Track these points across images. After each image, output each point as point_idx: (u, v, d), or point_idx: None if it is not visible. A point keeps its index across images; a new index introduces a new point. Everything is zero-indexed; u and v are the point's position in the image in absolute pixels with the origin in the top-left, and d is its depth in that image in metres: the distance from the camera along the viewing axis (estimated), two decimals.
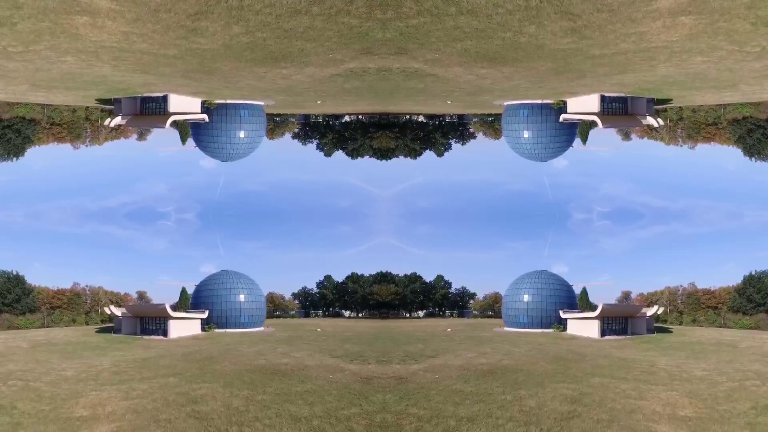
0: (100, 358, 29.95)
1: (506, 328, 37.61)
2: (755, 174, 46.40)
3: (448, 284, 47.38)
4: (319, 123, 47.35)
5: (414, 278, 46.05)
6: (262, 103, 39.20)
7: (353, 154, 46.98)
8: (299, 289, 48.12)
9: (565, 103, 37.24)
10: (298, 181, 50.85)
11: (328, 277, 48.59)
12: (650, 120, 37.33)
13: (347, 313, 45.08)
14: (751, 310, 38.54)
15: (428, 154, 49.58)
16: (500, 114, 40.14)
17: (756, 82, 32.76)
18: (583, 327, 36.22)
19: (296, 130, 47.07)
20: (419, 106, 42.58)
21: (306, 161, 48.28)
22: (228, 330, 37.69)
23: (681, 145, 42.43)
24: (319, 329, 36.21)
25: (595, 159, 46.68)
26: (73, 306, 42.05)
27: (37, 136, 40.11)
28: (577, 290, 48.71)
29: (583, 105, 37.04)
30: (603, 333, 35.37)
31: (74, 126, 43.19)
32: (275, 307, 46.99)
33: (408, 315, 44.19)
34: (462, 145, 46.80)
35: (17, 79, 32.38)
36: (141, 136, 45.26)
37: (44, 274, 50.76)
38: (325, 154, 47.68)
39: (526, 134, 38.66)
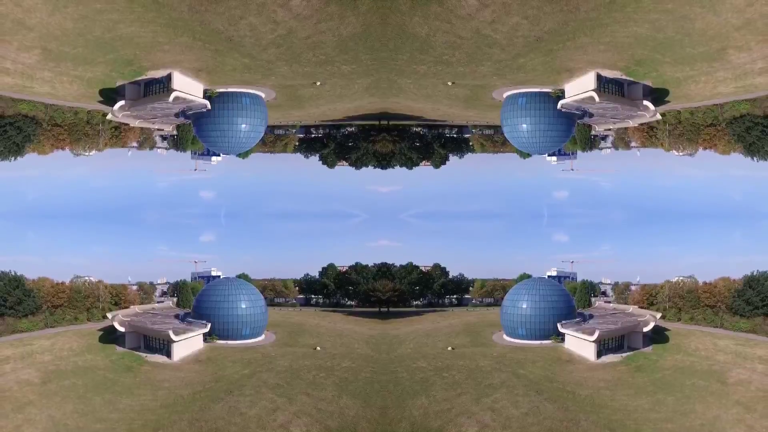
0: (110, 414, 31.56)
1: (505, 337, 39.26)
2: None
3: (446, 272, 47.97)
4: (319, 138, 45.25)
5: (411, 268, 46.55)
6: (262, 94, 39.68)
7: (357, 163, 45.13)
8: (302, 275, 48.79)
9: (563, 92, 37.83)
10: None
11: (330, 266, 48.90)
12: (647, 104, 37.58)
13: (348, 302, 46.37)
14: (748, 313, 39.67)
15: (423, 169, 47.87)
16: (499, 126, 40.29)
17: (741, 38, 32.74)
18: (581, 346, 37.75)
19: (296, 143, 45.61)
20: (421, 102, 40.80)
21: (309, 182, 47.04)
22: (230, 342, 39.39)
23: (681, 154, 41.21)
24: (318, 348, 37.47)
25: (595, 189, 45.59)
26: (74, 304, 43.18)
27: (38, 138, 39.04)
28: (577, 268, 49.53)
29: (581, 86, 37.36)
30: (599, 354, 37.01)
31: (75, 128, 41.77)
32: (276, 295, 48.20)
33: (408, 304, 45.43)
34: (460, 158, 45.03)
35: (31, 35, 31.60)
36: (141, 145, 43.75)
37: (42, 256, 51.23)
38: (328, 166, 45.92)
39: (524, 126, 39.13)
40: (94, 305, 42.82)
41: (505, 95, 40.20)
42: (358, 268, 45.85)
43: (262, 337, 39.33)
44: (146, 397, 33.67)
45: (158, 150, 43.90)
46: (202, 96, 39.15)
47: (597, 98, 36.91)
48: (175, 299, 46.39)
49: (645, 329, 38.45)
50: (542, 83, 38.64)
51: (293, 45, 34.00)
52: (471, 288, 46.43)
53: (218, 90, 39.58)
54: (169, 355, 37.10)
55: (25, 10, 30.25)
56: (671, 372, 36.28)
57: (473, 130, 44.96)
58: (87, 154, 41.14)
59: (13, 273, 43.06)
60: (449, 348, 37.53)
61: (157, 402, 33.14)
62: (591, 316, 41.13)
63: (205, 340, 39.01)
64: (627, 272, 47.73)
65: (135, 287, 45.55)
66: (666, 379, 35.57)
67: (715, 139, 40.02)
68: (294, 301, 45.86)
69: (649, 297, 43.48)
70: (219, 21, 31.85)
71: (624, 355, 37.89)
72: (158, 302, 46.62)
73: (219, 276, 48.35)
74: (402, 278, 44.51)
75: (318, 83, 38.19)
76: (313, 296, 46.12)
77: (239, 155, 45.17)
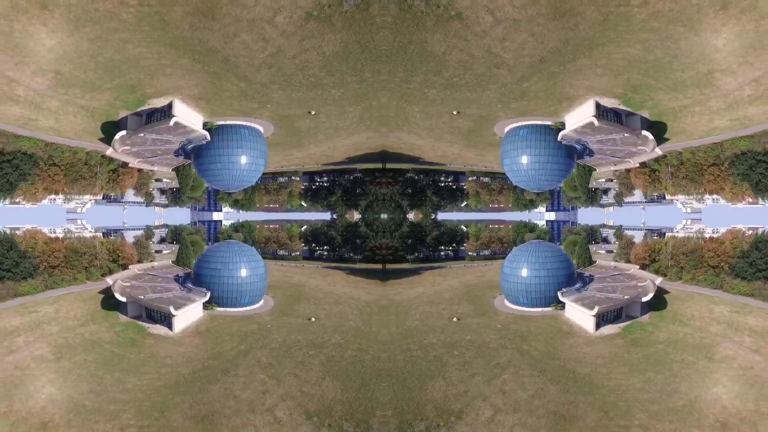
0: (120, 394, 34.63)
1: (507, 303, 41.70)
2: None
3: (437, 223, 48.35)
4: (324, 186, 43.71)
5: (400, 221, 46.81)
6: (260, 128, 41.51)
7: (368, 211, 43.78)
8: (312, 220, 48.96)
9: (563, 125, 39.60)
10: None
11: (341, 216, 48.94)
12: (645, 134, 39.65)
13: (353, 256, 47.22)
14: (750, 276, 41.45)
15: None
16: (495, 174, 41.94)
17: (723, 60, 35.31)
18: (581, 317, 40.31)
19: (301, 190, 47.98)
20: (423, 136, 41.38)
21: None
22: (229, 309, 41.81)
23: (688, 211, 41.07)
24: (313, 319, 39.95)
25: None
26: (71, 263, 44.79)
27: (32, 178, 39.24)
28: (578, 212, 50.20)
29: (580, 116, 39.37)
30: (598, 326, 39.61)
31: (72, 168, 41.78)
32: (279, 246, 49.10)
33: (404, 260, 46.53)
34: (453, 209, 44.48)
35: (49, 56, 34.72)
36: (138, 191, 43.65)
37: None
38: (338, 216, 44.82)
39: (524, 159, 40.45)
40: (92, 264, 44.64)
41: (506, 129, 41.42)
42: (369, 220, 46.17)
43: (261, 303, 41.57)
44: (151, 376, 36.44)
45: (156, 209, 44.52)
46: (201, 128, 41.03)
47: (596, 122, 38.44)
48: (174, 247, 48.13)
49: (644, 299, 40.40)
50: (543, 113, 40.06)
51: (283, 65, 36.40)
52: (466, 241, 47.29)
53: (217, 123, 41.18)
54: (170, 327, 39.68)
55: (50, 29, 33.51)
56: (664, 346, 38.70)
57: (469, 178, 44.22)
58: (80, 209, 41.76)
59: (2, 231, 44.31)
60: (455, 319, 39.73)
61: (161, 381, 35.96)
62: (591, 279, 43.00)
63: (204, 307, 41.48)
64: (631, 215, 48.71)
65: (132, 240, 47.01)
66: (658, 354, 38.02)
67: (719, 180, 40.36)
68: (297, 254, 47.06)
69: (652, 253, 44.93)
70: (215, 39, 34.60)
71: (622, 325, 40.22)
72: (156, 251, 48.42)
73: (221, 221, 49.42)
74: (393, 231, 45.01)
75: (312, 112, 39.54)
76: (317, 248, 47.17)
77: (241, 206, 45.47)
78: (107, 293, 42.64)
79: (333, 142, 43.28)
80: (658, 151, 42.30)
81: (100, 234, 47.64)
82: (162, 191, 49.59)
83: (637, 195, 46.34)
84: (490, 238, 47.42)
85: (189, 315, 40.61)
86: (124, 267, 45.44)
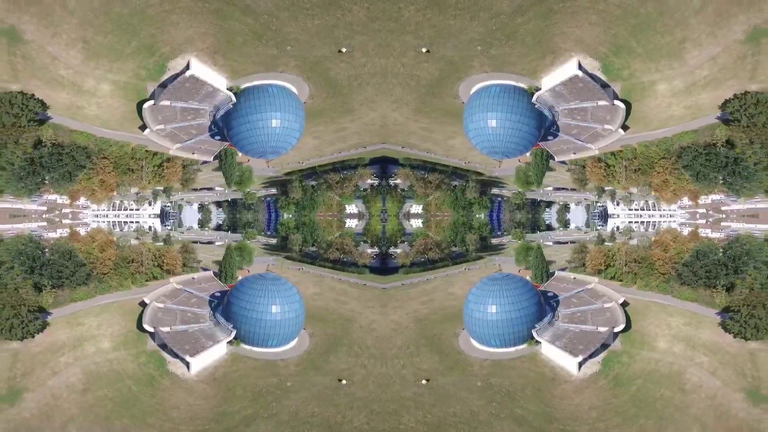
0: None
1: (476, 344, 42.18)
2: None
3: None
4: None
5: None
6: (292, 87, 41.13)
7: None
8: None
9: (537, 89, 41.00)
10: None
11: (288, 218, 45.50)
12: (618, 103, 43.21)
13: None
14: (693, 283, 48.43)
15: None
16: (440, 164, 42.27)
17: (697, 27, 40.26)
18: (562, 358, 44.23)
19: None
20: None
21: None
22: (255, 348, 43.08)
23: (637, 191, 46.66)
24: (344, 381, 38.83)
25: None
26: (119, 271, 51.19)
27: (87, 173, 44.68)
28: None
29: (561, 75, 41.72)
30: (580, 366, 43.64)
31: (121, 161, 48.53)
32: (343, 253, 46.69)
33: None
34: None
35: (73, 21, 41.05)
36: (184, 185, 48.61)
37: None
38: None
39: (493, 122, 39.44)
40: (138, 270, 50.71)
41: (475, 88, 40.09)
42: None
43: (293, 343, 42.40)
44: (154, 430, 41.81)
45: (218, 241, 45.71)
46: (225, 89, 43.00)
47: (581, 74, 40.16)
48: (229, 236, 51.00)
49: (616, 329, 45.98)
50: (523, 68, 40.85)
51: None
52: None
53: (243, 86, 42.92)
54: (188, 367, 43.46)
55: None
56: (642, 381, 45.02)
57: (402, 166, 43.33)
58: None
59: (66, 242, 49.74)
60: (423, 381, 38.87)
61: None
62: (557, 302, 46.74)
63: (230, 342, 44.11)
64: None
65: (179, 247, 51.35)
66: (641, 393, 44.30)
67: (666, 172, 45.54)
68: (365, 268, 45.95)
69: (607, 259, 50.49)
70: None
71: (599, 359, 45.37)
72: (208, 242, 51.33)
73: (282, 214, 47.27)
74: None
75: (343, 50, 37.59)
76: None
77: (302, 208, 44.88)
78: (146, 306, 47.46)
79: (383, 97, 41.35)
80: (621, 132, 45.47)
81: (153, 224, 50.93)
82: (218, 204, 50.65)
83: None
84: (426, 244, 45.58)
85: (210, 355, 43.19)
86: (169, 272, 50.34)
